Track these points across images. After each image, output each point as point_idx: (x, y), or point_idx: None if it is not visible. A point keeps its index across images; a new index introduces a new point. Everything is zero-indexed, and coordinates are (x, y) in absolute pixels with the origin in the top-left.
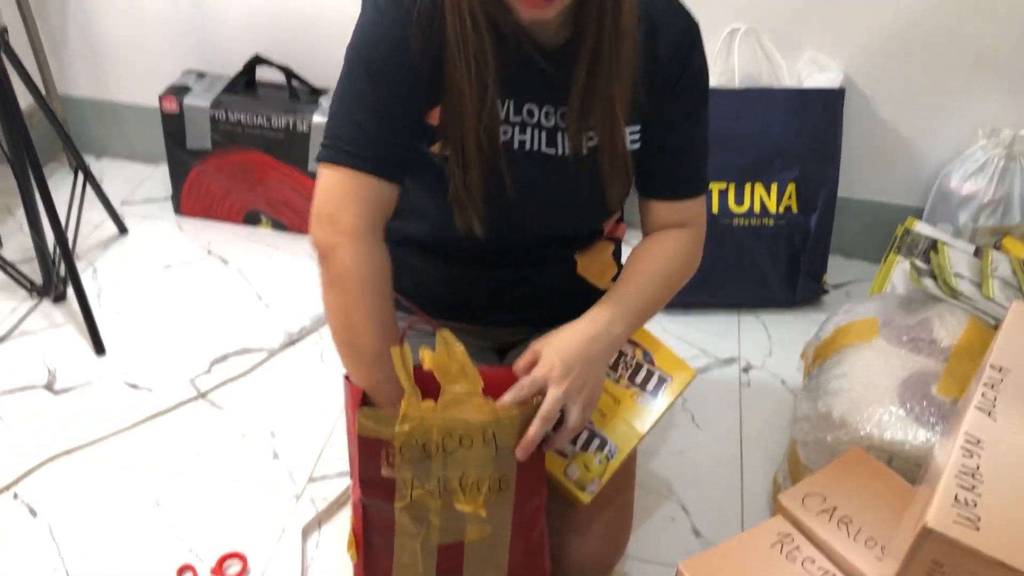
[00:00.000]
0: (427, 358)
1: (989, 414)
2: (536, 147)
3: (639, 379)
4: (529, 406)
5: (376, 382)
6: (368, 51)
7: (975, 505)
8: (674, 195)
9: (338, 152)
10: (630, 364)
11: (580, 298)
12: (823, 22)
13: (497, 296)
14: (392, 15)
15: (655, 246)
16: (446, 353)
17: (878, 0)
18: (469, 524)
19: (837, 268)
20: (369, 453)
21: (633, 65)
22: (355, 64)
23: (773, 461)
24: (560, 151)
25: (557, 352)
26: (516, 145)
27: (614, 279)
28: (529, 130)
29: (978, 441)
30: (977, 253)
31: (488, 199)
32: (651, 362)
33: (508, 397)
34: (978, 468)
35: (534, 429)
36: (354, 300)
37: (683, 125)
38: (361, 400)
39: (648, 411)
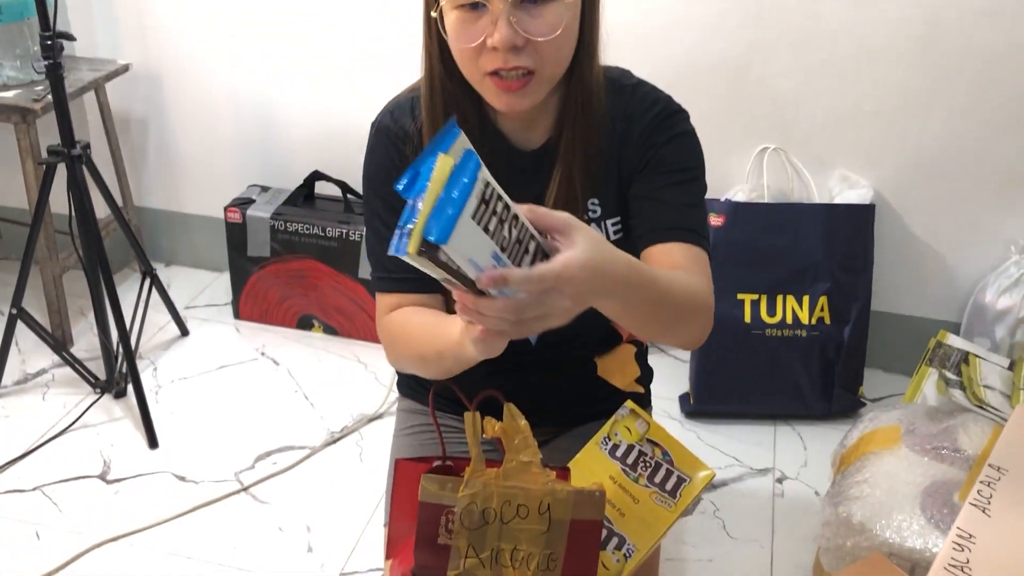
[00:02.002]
0: (494, 427)
1: (984, 510)
2: None
3: (658, 479)
4: (587, 490)
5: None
6: (374, 181)
7: None
8: (665, 238)
9: (386, 281)
10: (649, 463)
11: (603, 400)
12: (852, 141)
13: (517, 399)
14: (384, 144)
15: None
16: (511, 424)
17: (905, 120)
18: None
19: (877, 382)
20: (428, 519)
21: (604, 160)
22: (370, 196)
23: (804, 572)
24: None
25: (597, 258)
26: None
27: (638, 380)
28: None
29: (970, 536)
30: (1011, 367)
31: None
32: (670, 462)
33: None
34: (968, 562)
35: (518, 275)
36: (406, 334)
37: (669, 189)
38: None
39: (667, 511)
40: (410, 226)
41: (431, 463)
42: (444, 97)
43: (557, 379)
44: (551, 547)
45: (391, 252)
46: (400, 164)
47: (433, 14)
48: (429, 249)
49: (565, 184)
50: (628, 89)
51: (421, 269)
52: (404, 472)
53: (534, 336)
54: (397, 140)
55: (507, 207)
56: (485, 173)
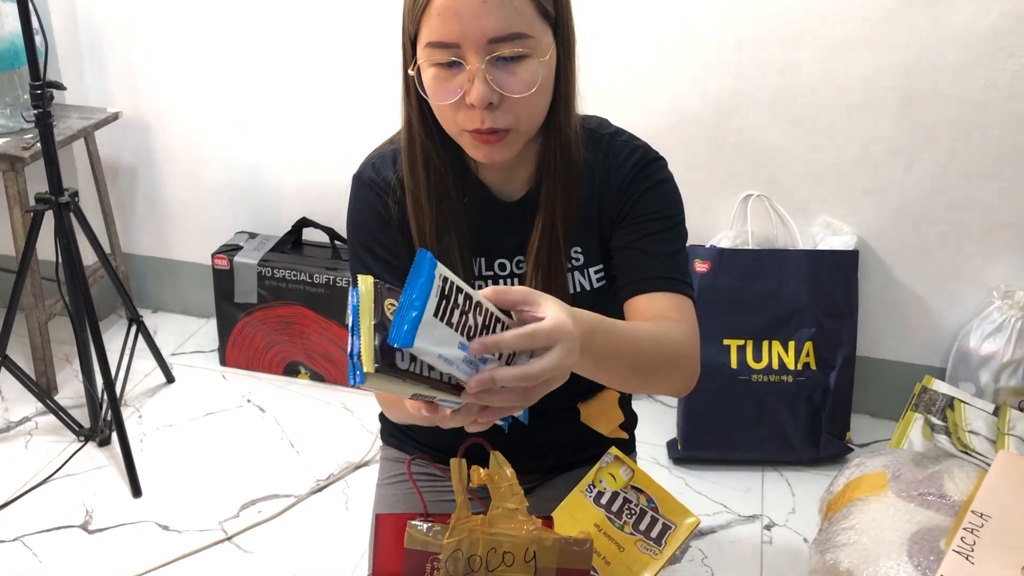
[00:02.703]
0: (480, 475)
1: (967, 557)
2: None
3: (643, 526)
4: (574, 538)
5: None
6: (358, 232)
7: None
8: (648, 288)
9: None
10: (634, 511)
11: (587, 447)
12: (834, 189)
13: (500, 446)
14: (366, 195)
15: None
16: (497, 472)
17: (887, 168)
18: None
19: (864, 427)
20: (414, 567)
21: (585, 209)
22: (354, 246)
23: None
24: None
25: (569, 314)
26: None
27: (622, 426)
28: (502, 282)
29: None
30: (995, 412)
31: None
32: (655, 509)
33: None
34: None
35: (511, 336)
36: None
37: (651, 239)
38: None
39: (652, 558)
40: (357, 348)
41: (413, 519)
42: (423, 151)
43: (540, 426)
44: None
45: (349, 383)
46: (384, 214)
47: (411, 72)
48: (386, 358)
49: (548, 233)
50: (606, 138)
51: (386, 393)
52: (385, 526)
53: (524, 414)
54: (380, 191)
55: (468, 297)
56: (442, 269)
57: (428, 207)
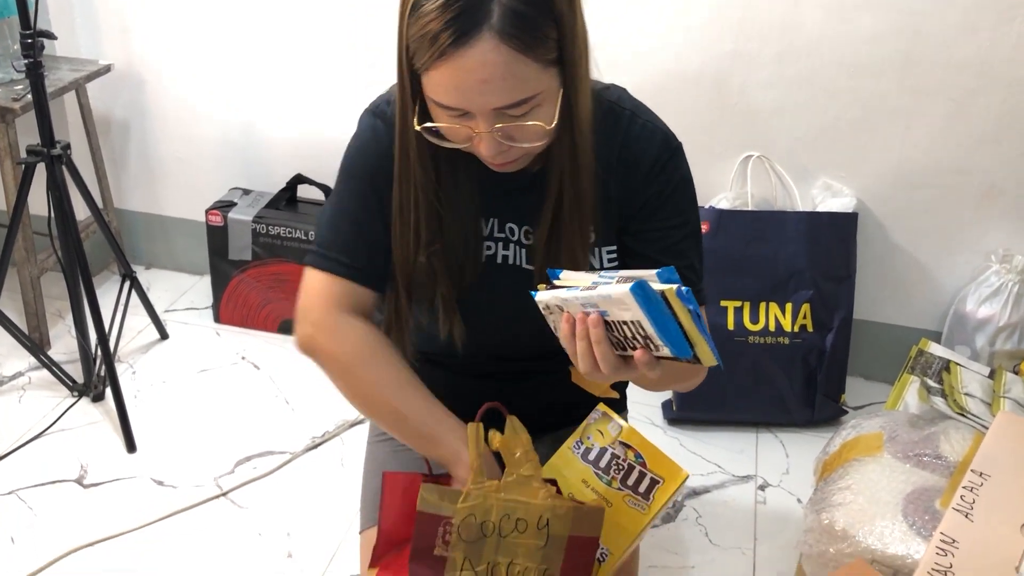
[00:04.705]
0: (496, 440)
1: (966, 515)
2: (518, 262)
3: (631, 481)
4: (587, 506)
5: (435, 440)
6: (351, 162)
7: None
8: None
9: (318, 256)
10: (622, 466)
11: (577, 407)
12: (834, 150)
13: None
14: (377, 129)
15: None
16: (513, 438)
17: (887, 131)
18: None
19: (858, 390)
20: (425, 530)
21: (594, 195)
22: (341, 173)
23: None
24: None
25: None
26: (499, 260)
27: (613, 385)
28: (512, 246)
29: (953, 541)
30: (991, 375)
31: (471, 312)
32: (643, 464)
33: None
34: (951, 567)
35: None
36: (352, 378)
37: (670, 233)
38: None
39: (640, 514)
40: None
41: (419, 476)
42: (419, 138)
43: (531, 387)
44: (547, 563)
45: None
46: (387, 155)
47: (414, 121)
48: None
49: (560, 210)
50: (626, 117)
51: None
52: (392, 484)
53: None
54: (390, 131)
55: None
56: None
57: (452, 170)
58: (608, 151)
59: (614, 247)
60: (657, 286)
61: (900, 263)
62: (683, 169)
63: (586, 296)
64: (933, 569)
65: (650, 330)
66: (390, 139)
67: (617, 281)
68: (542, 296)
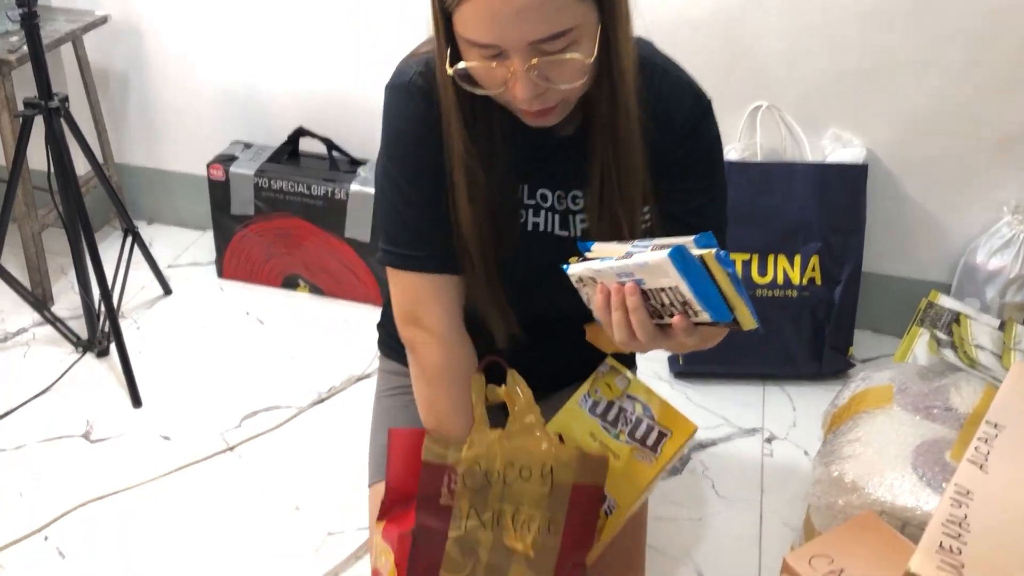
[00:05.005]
0: (498, 392)
1: (981, 467)
2: (550, 229)
3: (639, 434)
4: (591, 454)
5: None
6: (397, 150)
7: (960, 553)
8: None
9: (399, 257)
10: (630, 419)
11: (588, 363)
12: (845, 100)
13: (513, 366)
14: (418, 106)
15: None
16: (515, 389)
17: (899, 81)
18: (514, 565)
19: (867, 343)
20: (430, 480)
21: (641, 150)
22: (389, 163)
23: (793, 531)
24: (572, 233)
25: None
26: (530, 227)
27: None
28: (543, 213)
29: (967, 492)
30: (1001, 327)
31: (505, 279)
32: (651, 417)
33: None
34: (965, 518)
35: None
36: (438, 393)
37: (697, 195)
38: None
39: (648, 466)
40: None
41: (424, 431)
42: (457, 91)
43: (546, 345)
44: (552, 511)
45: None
46: (436, 128)
47: (447, 66)
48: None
49: (598, 170)
50: (658, 72)
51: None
52: (398, 439)
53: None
54: (433, 101)
55: None
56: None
57: (486, 129)
58: (642, 107)
59: (646, 208)
60: (695, 251)
61: (910, 215)
62: (714, 128)
63: (621, 265)
64: (948, 520)
65: (689, 296)
66: (432, 110)
67: (652, 249)
68: (575, 269)
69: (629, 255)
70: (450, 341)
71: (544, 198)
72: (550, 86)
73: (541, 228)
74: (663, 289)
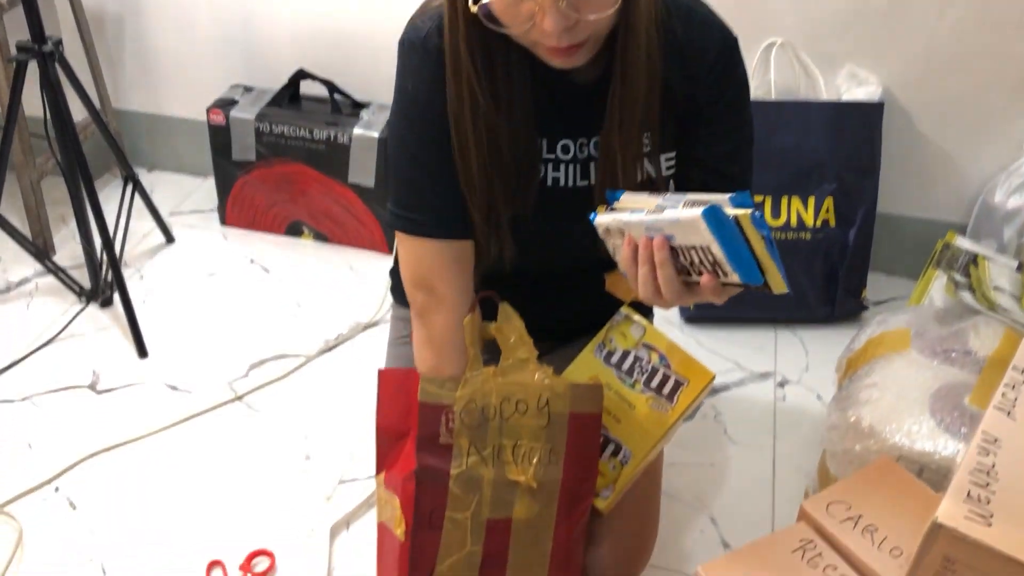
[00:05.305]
0: (490, 328)
1: (1008, 414)
2: (571, 183)
3: (655, 383)
4: (584, 383)
5: None
6: (412, 110)
7: (988, 502)
8: (718, 188)
9: (411, 223)
10: (646, 368)
11: (605, 312)
12: (861, 37)
13: (524, 314)
14: (426, 73)
15: None
16: (507, 323)
17: (917, 16)
18: (519, 499)
19: (879, 285)
20: (428, 420)
21: (659, 95)
22: (401, 124)
23: (806, 476)
24: (592, 181)
25: None
26: (550, 182)
27: None
28: (563, 167)
29: (995, 440)
30: (1020, 268)
31: (520, 233)
32: (667, 366)
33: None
34: (993, 466)
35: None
36: (445, 361)
37: (725, 139)
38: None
39: (664, 416)
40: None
41: (414, 371)
42: (469, 42)
43: (565, 295)
44: (552, 441)
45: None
46: (440, 86)
47: (473, 7)
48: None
49: (620, 117)
50: (684, 11)
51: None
52: (387, 381)
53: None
54: (434, 56)
55: None
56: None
57: (506, 78)
58: (668, 50)
59: (672, 154)
60: (730, 211)
61: (926, 154)
62: (742, 69)
63: (652, 220)
64: (976, 469)
65: (720, 256)
66: (438, 71)
67: (684, 205)
68: (602, 219)
69: (660, 208)
70: (462, 309)
71: (566, 149)
72: (580, 17)
73: (561, 183)
74: (693, 247)
